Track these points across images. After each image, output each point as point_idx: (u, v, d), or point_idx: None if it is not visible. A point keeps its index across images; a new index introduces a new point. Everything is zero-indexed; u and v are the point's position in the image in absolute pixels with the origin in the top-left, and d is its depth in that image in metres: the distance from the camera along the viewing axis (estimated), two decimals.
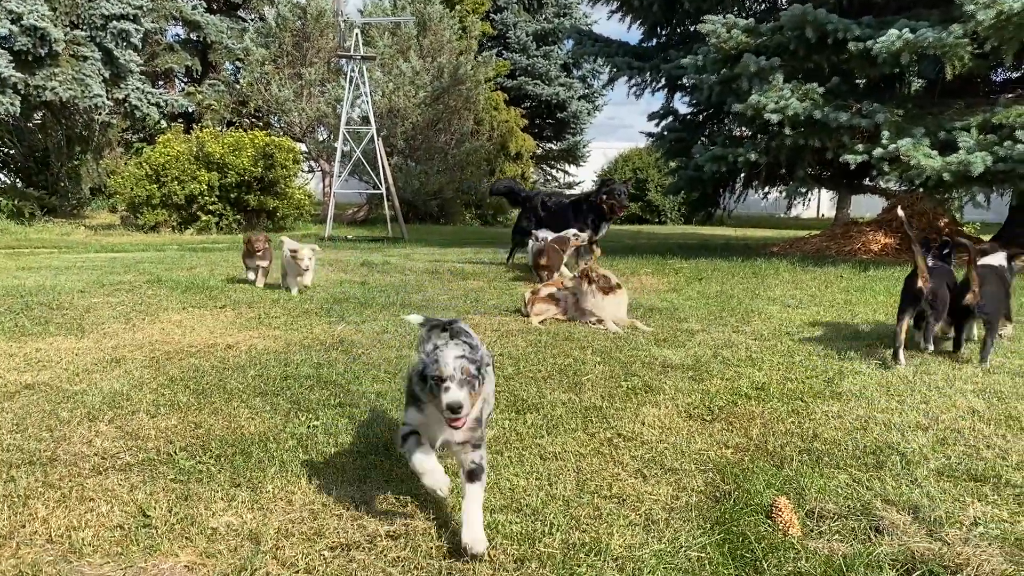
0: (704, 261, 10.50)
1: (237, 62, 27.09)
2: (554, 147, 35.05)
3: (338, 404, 3.79)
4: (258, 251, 7.81)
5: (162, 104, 21.88)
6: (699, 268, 9.57)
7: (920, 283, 4.67)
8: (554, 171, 36.27)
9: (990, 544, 2.42)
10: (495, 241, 15.96)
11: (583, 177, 35.65)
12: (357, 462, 3.06)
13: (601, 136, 64.51)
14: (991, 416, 3.61)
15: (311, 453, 3.15)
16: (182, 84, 32.39)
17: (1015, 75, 12.99)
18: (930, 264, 4.88)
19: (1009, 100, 9.85)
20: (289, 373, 4.36)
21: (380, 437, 3.32)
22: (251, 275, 7.99)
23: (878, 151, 9.33)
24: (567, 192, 11.06)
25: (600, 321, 5.88)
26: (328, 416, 3.60)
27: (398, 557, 2.36)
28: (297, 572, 2.29)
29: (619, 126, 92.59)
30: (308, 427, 3.46)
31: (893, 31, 9.11)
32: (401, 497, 2.75)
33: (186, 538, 2.47)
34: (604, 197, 9.49)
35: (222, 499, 2.75)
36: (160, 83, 29.72)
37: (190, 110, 27.39)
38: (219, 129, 20.75)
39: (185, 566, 2.33)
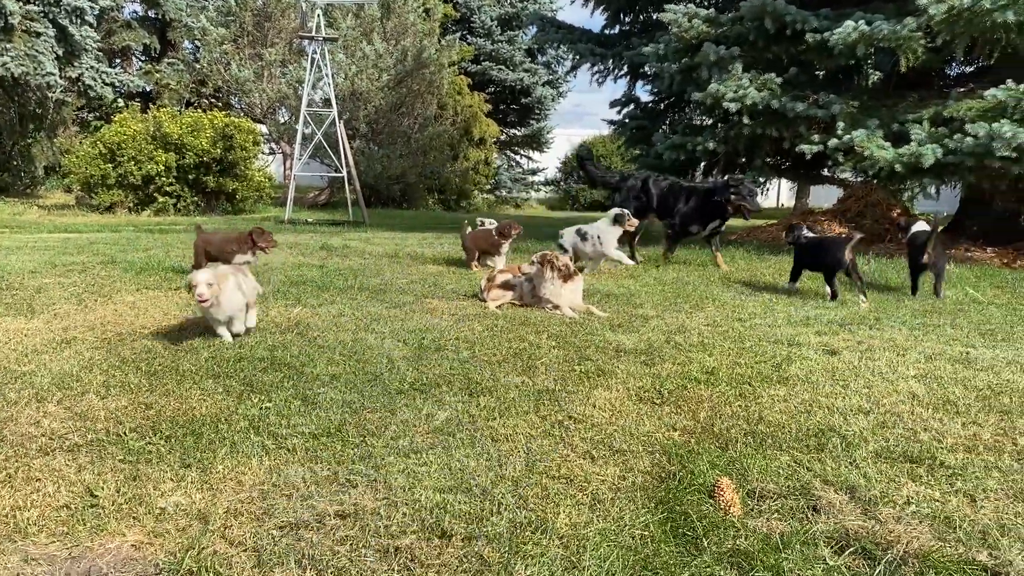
0: (662, 248, 10.59)
1: (196, 41, 26.61)
2: (518, 133, 35.05)
3: (291, 386, 3.79)
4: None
5: (118, 84, 21.44)
6: (657, 254, 9.66)
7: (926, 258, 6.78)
8: (518, 157, 36.27)
9: (921, 522, 2.52)
10: (457, 226, 15.96)
11: (547, 164, 35.73)
12: (309, 443, 3.07)
13: (566, 123, 64.44)
14: (930, 401, 3.72)
15: (263, 434, 3.15)
16: (139, 62, 31.72)
17: (968, 70, 13.28)
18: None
19: (960, 94, 10.07)
20: (243, 355, 4.34)
21: (332, 419, 3.33)
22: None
23: (833, 142, 9.50)
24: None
25: (556, 307, 5.93)
26: (281, 398, 3.60)
27: (346, 536, 2.39)
28: (245, 551, 2.31)
29: (584, 113, 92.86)
30: (260, 409, 3.46)
31: (850, 23, 9.26)
32: (352, 478, 2.78)
33: (133, 518, 2.48)
34: (732, 196, 8.56)
35: (171, 479, 2.75)
36: (117, 61, 29.08)
37: (147, 89, 26.86)
38: (178, 109, 20.42)
39: (132, 545, 2.33)
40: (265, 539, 2.36)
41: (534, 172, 35.61)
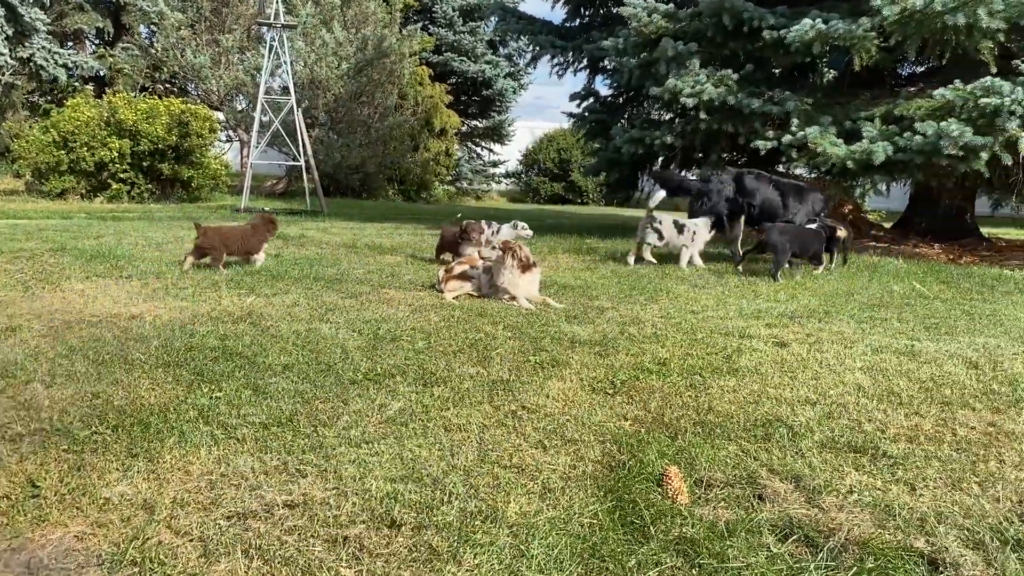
0: (621, 241, 10.67)
1: (152, 25, 26.08)
2: (479, 124, 34.92)
3: (243, 376, 3.75)
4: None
5: (71, 66, 20.92)
6: (615, 248, 9.74)
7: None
8: (479, 148, 36.17)
9: (862, 510, 2.58)
10: (417, 217, 15.91)
11: (508, 156, 35.69)
12: (259, 433, 3.05)
13: (528, 116, 64.61)
14: (875, 392, 3.82)
15: (212, 424, 3.12)
16: (93, 46, 31.00)
17: (920, 70, 13.57)
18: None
19: (911, 93, 10.28)
20: (194, 344, 4.29)
21: (284, 409, 3.31)
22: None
23: (787, 138, 9.63)
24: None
25: (513, 298, 5.95)
26: (232, 387, 3.57)
27: (295, 526, 2.38)
28: (191, 541, 2.29)
29: (546, 106, 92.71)
30: (210, 398, 3.42)
31: (807, 21, 9.39)
32: (302, 468, 2.76)
33: (77, 508, 2.44)
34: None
35: (117, 469, 2.71)
36: (70, 44, 28.40)
37: (101, 73, 26.27)
38: (132, 95, 20.00)
39: (75, 536, 2.30)
40: (212, 529, 2.34)
41: (495, 164, 35.53)
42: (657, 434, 3.21)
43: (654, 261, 8.45)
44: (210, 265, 6.92)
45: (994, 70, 9.25)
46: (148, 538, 2.28)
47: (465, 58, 31.56)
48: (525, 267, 6.00)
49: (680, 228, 8.44)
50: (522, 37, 15.10)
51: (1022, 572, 2.24)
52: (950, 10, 8.54)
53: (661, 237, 8.49)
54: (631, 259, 8.46)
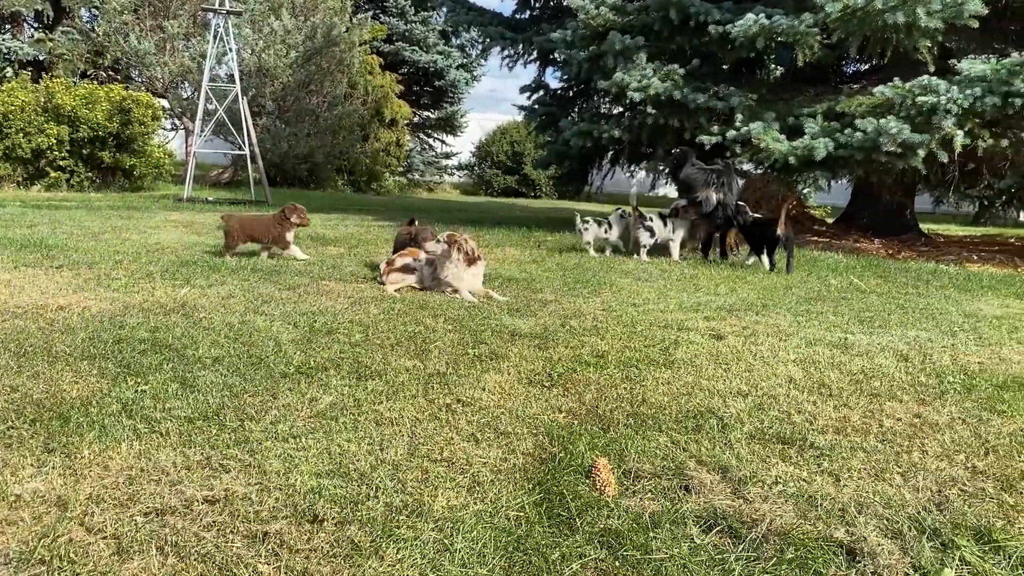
0: (568, 235, 10.70)
1: (94, 9, 25.32)
2: (431, 116, 34.70)
3: (171, 369, 3.66)
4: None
5: (6, 51, 20.23)
6: (562, 241, 9.76)
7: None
8: (431, 140, 35.96)
9: (786, 501, 2.61)
10: (365, 208, 15.75)
11: (461, 148, 35.53)
12: (183, 427, 2.97)
13: (482, 108, 64.31)
14: (806, 384, 3.87)
15: (135, 418, 3.03)
16: (31, 29, 30.05)
17: (864, 67, 13.85)
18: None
19: (854, 91, 10.49)
20: (122, 336, 4.17)
21: (211, 403, 3.24)
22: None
23: (731, 133, 9.75)
24: None
25: (456, 291, 5.92)
26: (158, 380, 3.47)
27: (214, 522, 2.32)
28: (104, 538, 2.22)
29: (501, 99, 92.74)
30: (135, 392, 3.32)
31: (750, 16, 9.50)
32: (225, 463, 2.70)
33: None
34: None
35: (32, 465, 2.62)
36: (7, 27, 27.49)
37: (40, 58, 25.46)
38: (72, 80, 19.40)
39: None
40: (127, 526, 2.27)
41: (447, 156, 35.34)
42: (590, 426, 3.21)
43: (595, 254, 8.59)
44: (223, 253, 7.07)
45: (932, 69, 9.47)
46: (59, 536, 2.20)
47: (417, 48, 31.31)
48: (471, 261, 5.97)
49: (665, 221, 8.89)
50: (472, 28, 15.01)
51: (936, 560, 2.29)
52: (890, 8, 8.71)
53: (653, 234, 8.74)
54: (639, 257, 8.75)
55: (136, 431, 2.92)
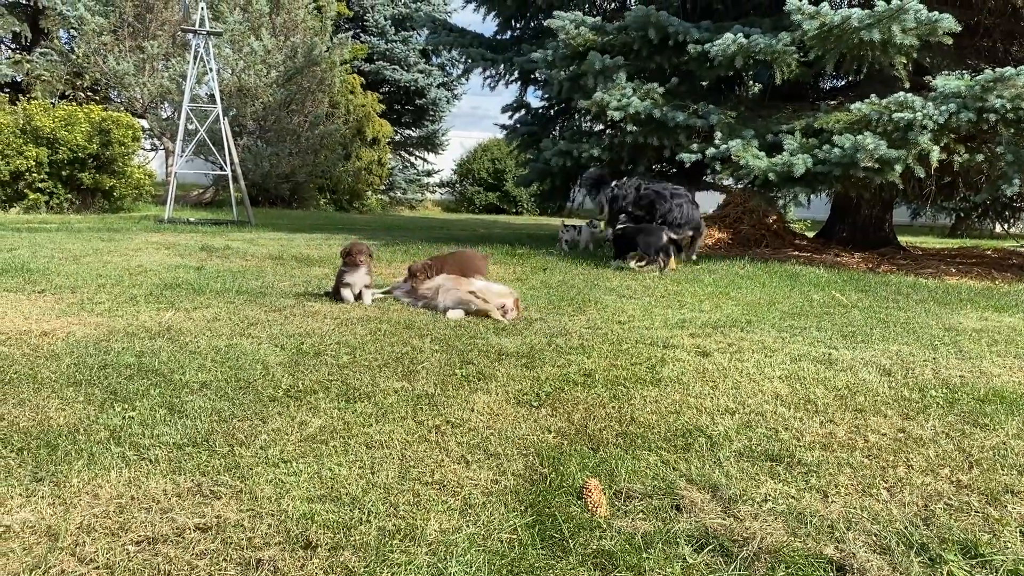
0: (551, 252, 10.76)
1: (72, 31, 25.23)
2: (413, 134, 34.80)
3: (158, 394, 3.64)
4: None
5: None
6: (545, 259, 9.80)
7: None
8: (413, 158, 36.03)
9: (776, 518, 2.63)
10: (348, 227, 15.74)
11: (442, 166, 35.63)
12: (173, 454, 2.96)
13: (464, 126, 64.61)
14: (792, 400, 3.91)
15: (123, 445, 3.02)
16: (9, 51, 29.90)
17: (840, 83, 14.05)
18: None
19: (831, 107, 10.63)
20: (108, 362, 4.15)
21: (200, 428, 3.22)
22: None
23: (711, 151, 9.85)
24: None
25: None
26: (146, 406, 3.46)
27: (206, 550, 2.32)
28: (96, 568, 2.20)
29: (483, 116, 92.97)
30: (123, 418, 3.31)
31: (729, 35, 9.62)
32: (216, 489, 2.69)
33: None
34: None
35: (20, 495, 2.60)
36: None
37: (18, 80, 25.32)
38: (51, 102, 19.29)
39: None
40: (119, 555, 2.26)
41: (429, 174, 35.42)
42: (579, 446, 3.22)
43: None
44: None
45: (907, 85, 9.62)
46: (51, 567, 2.19)
47: (398, 67, 31.44)
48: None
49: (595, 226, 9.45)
50: (453, 50, 15.10)
51: (925, 575, 2.32)
52: (866, 26, 8.86)
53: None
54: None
55: (125, 458, 2.90)
